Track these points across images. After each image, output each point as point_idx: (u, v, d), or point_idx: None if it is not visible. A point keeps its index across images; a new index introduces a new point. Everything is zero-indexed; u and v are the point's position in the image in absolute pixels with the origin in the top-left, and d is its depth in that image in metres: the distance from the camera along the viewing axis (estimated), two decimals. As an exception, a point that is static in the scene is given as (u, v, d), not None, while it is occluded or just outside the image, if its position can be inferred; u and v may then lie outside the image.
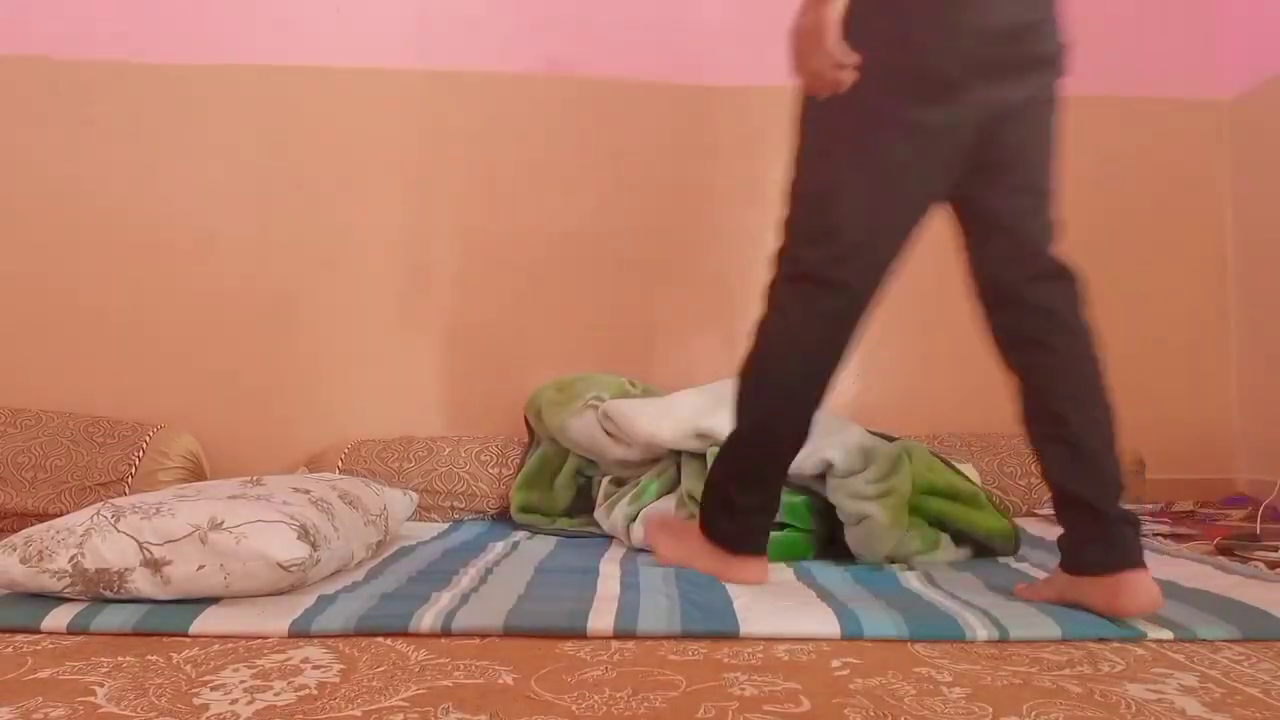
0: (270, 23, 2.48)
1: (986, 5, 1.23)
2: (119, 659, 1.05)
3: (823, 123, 1.31)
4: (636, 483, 1.90)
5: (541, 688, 0.94)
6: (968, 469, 1.99)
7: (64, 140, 2.43)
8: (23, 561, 1.27)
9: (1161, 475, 2.41)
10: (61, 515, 1.41)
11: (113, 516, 1.31)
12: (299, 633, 1.16)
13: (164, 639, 1.15)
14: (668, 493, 1.86)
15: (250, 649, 1.09)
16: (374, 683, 0.96)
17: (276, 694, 0.92)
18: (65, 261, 2.42)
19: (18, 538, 1.32)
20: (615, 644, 1.11)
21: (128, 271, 2.43)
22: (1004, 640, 1.13)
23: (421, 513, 2.13)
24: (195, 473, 2.24)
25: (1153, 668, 1.02)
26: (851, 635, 1.14)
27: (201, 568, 1.26)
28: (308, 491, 1.54)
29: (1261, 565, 1.57)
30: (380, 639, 1.13)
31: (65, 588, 1.26)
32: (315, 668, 1.01)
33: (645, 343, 2.54)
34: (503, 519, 2.18)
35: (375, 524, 1.66)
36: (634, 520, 1.78)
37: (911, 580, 1.47)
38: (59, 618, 1.20)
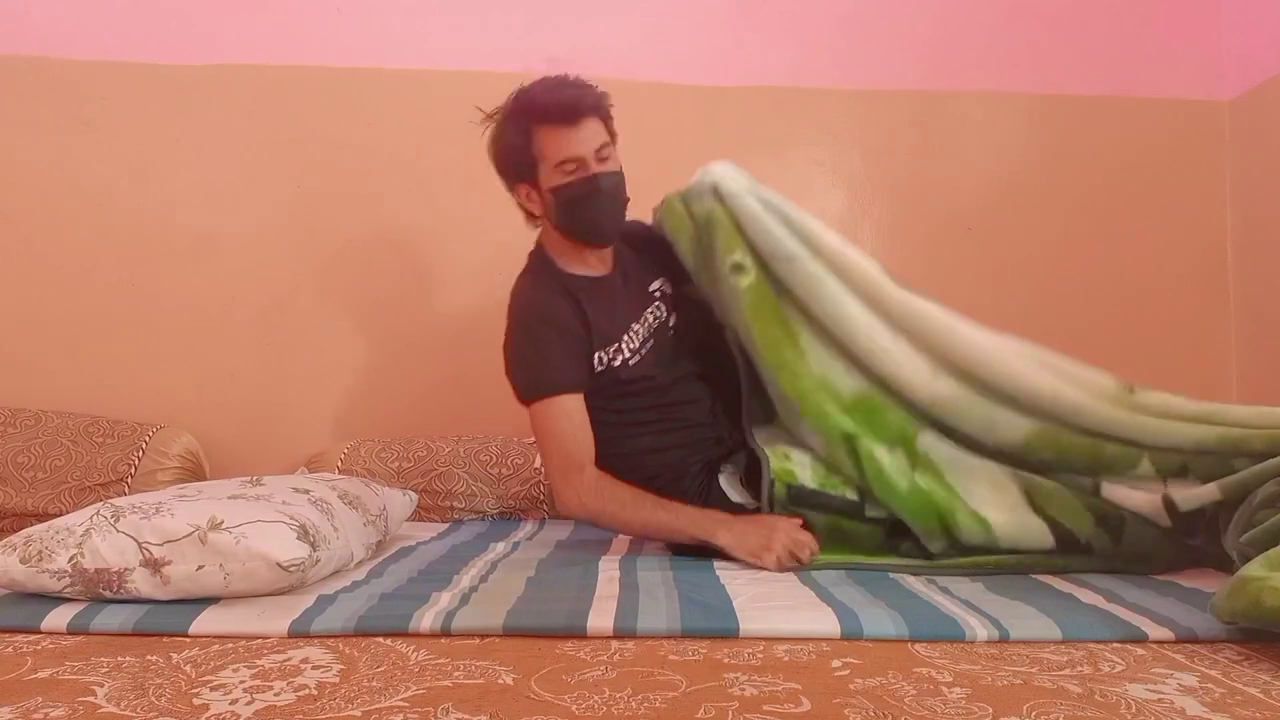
0: (270, 23, 2.48)
1: None
2: (119, 659, 1.05)
3: None
4: None
5: (541, 688, 0.94)
6: None
7: (64, 140, 2.43)
8: (23, 561, 1.27)
9: (1161, 475, 2.41)
10: (61, 515, 1.41)
11: (112, 516, 1.31)
12: (299, 633, 1.16)
13: (164, 639, 1.15)
14: None
15: (250, 649, 1.09)
16: (374, 683, 0.95)
17: (276, 694, 0.92)
18: (65, 261, 2.42)
19: (18, 538, 1.32)
20: (615, 644, 1.11)
21: (127, 271, 2.43)
22: (1004, 640, 1.13)
23: (421, 513, 2.13)
24: (195, 473, 2.24)
25: (1153, 668, 1.02)
26: (851, 635, 1.14)
27: (201, 568, 1.26)
28: (307, 492, 1.54)
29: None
30: (380, 639, 1.13)
31: (65, 588, 1.26)
32: (315, 668, 1.01)
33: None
34: (504, 519, 2.17)
35: (375, 524, 1.67)
36: None
37: (912, 580, 1.47)
38: (59, 618, 1.20)
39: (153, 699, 0.91)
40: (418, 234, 2.51)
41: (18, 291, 2.41)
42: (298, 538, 1.33)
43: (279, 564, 1.28)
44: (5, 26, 2.43)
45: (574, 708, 0.88)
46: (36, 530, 1.32)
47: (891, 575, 1.50)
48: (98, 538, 1.27)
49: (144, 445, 2.18)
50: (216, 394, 2.42)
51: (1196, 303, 2.63)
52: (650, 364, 1.72)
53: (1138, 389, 1.56)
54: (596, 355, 1.69)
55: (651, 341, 1.74)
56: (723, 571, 1.50)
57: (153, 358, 2.42)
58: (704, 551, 1.61)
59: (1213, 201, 2.64)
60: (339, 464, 2.23)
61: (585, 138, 1.66)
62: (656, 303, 1.79)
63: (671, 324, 1.80)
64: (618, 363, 1.69)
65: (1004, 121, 2.60)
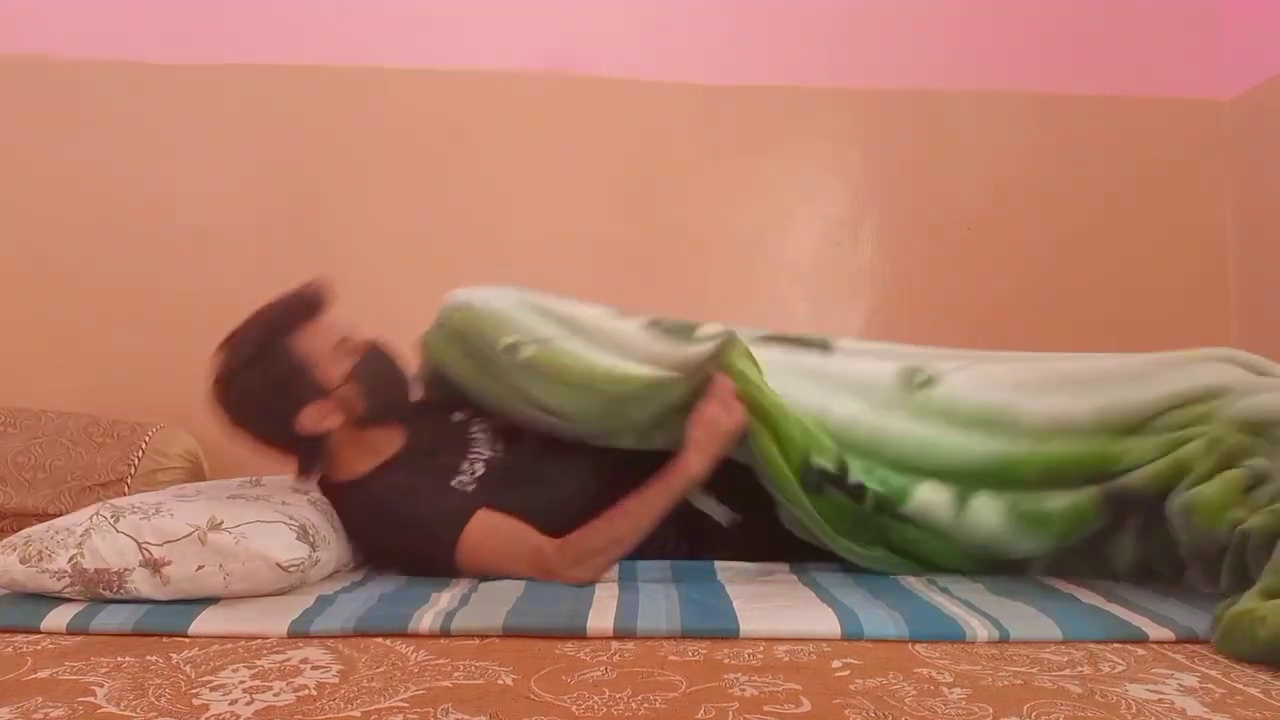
0: (270, 22, 2.48)
1: None
2: (119, 659, 1.05)
3: None
4: None
5: (541, 688, 0.94)
6: None
7: (64, 140, 2.43)
8: (22, 561, 1.27)
9: (1162, 475, 2.41)
10: (61, 515, 1.41)
11: (112, 517, 1.31)
12: (298, 633, 1.16)
13: (163, 639, 1.15)
14: None
15: (249, 649, 1.09)
16: (373, 683, 0.95)
17: (276, 694, 0.92)
18: (64, 261, 2.42)
19: (18, 538, 1.32)
20: (615, 644, 1.11)
21: (127, 271, 2.42)
22: (1004, 641, 1.13)
23: (421, 513, 2.12)
24: (195, 473, 2.24)
25: (1153, 668, 1.02)
26: (852, 635, 1.14)
27: (201, 568, 1.26)
28: (307, 492, 1.54)
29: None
30: (379, 639, 1.13)
31: (65, 588, 1.26)
32: (314, 668, 1.01)
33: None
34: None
35: (375, 524, 1.66)
36: None
37: (912, 581, 1.47)
38: (59, 618, 1.20)
39: (152, 699, 0.91)
40: (418, 233, 2.51)
41: (18, 291, 2.41)
42: (297, 538, 1.33)
43: (279, 564, 1.28)
44: (5, 26, 2.42)
45: (574, 708, 0.88)
46: (36, 530, 1.32)
47: (891, 575, 1.50)
48: (97, 538, 1.27)
49: (144, 445, 2.18)
50: (216, 394, 2.42)
51: (1196, 303, 2.62)
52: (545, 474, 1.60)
53: (918, 383, 1.43)
54: (457, 482, 1.55)
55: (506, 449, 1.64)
56: (723, 572, 1.50)
57: (153, 358, 2.41)
58: (703, 554, 1.60)
59: (1213, 201, 2.63)
60: (339, 464, 2.22)
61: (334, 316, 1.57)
62: (473, 426, 1.69)
63: (500, 445, 1.67)
64: (480, 471, 1.57)
65: (1004, 121, 2.60)
